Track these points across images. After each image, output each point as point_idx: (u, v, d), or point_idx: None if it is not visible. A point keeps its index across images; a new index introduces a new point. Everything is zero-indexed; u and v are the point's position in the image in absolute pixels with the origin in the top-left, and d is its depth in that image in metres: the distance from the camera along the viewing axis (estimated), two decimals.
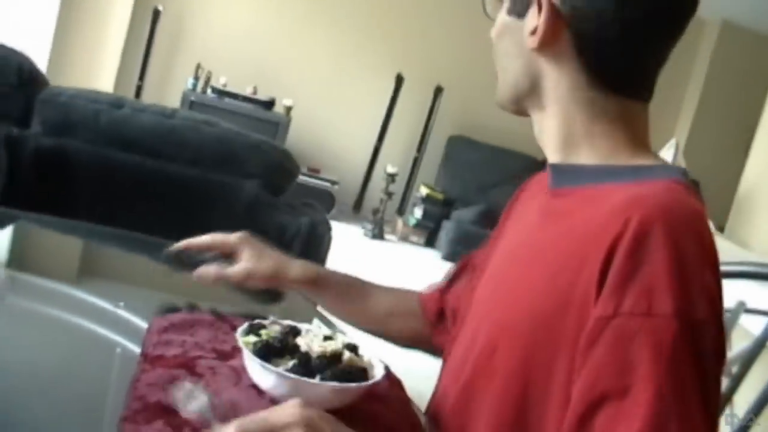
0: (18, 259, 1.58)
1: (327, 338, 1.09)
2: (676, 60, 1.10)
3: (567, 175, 1.07)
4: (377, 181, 7.55)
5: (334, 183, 7.36)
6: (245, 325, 1.08)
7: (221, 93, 7.13)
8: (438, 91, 7.70)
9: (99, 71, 6.98)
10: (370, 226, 7.20)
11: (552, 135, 1.08)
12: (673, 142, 4.64)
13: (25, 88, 2.51)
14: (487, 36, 1.15)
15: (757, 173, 5.78)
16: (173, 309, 1.24)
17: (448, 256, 6.89)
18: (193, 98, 7.05)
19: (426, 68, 7.67)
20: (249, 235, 1.34)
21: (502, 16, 1.11)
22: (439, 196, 7.41)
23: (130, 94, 7.19)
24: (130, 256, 1.64)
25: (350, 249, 6.49)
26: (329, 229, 2.62)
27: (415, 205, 7.52)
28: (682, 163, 4.63)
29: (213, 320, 1.23)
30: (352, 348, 1.08)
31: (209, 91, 7.17)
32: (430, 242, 7.37)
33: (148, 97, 7.30)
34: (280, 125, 7.17)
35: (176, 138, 2.50)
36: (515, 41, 1.08)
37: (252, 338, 1.05)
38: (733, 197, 6.23)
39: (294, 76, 7.63)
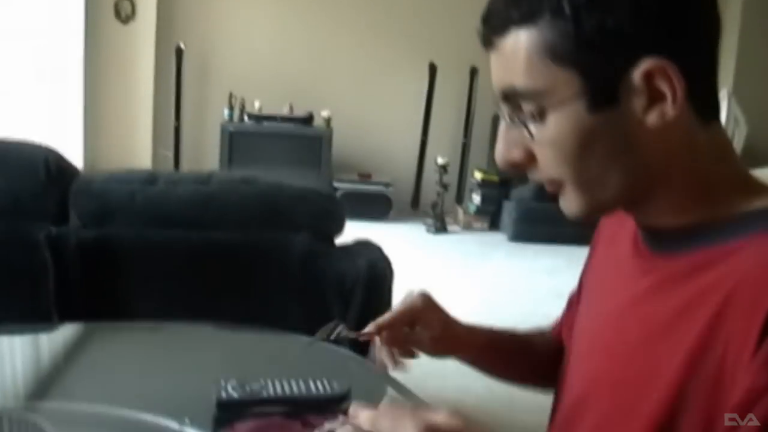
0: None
1: None
2: None
3: (679, 237, 0.89)
4: (430, 175, 7.41)
5: (387, 185, 7.27)
6: None
7: (258, 118, 7.10)
8: (473, 72, 7.51)
9: (135, 120, 7.02)
10: (431, 221, 7.09)
11: (678, 203, 0.89)
12: (724, 92, 4.42)
13: (56, 183, 2.45)
14: None
15: None
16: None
17: (515, 237, 6.77)
18: (231, 129, 7.02)
19: (457, 52, 7.46)
20: (427, 296, 1.19)
21: (581, 121, 0.85)
22: (495, 178, 7.25)
23: (169, 136, 7.19)
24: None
25: (416, 247, 6.41)
26: (389, 264, 2.51)
27: (472, 191, 7.38)
28: (737, 112, 4.41)
29: (283, 423, 1.18)
30: None
31: (246, 118, 7.11)
32: (494, 225, 7.21)
33: (188, 136, 7.30)
34: (322, 139, 7.12)
35: (216, 204, 2.42)
36: (615, 136, 0.85)
37: None
38: None
39: (327, 86, 7.53)
